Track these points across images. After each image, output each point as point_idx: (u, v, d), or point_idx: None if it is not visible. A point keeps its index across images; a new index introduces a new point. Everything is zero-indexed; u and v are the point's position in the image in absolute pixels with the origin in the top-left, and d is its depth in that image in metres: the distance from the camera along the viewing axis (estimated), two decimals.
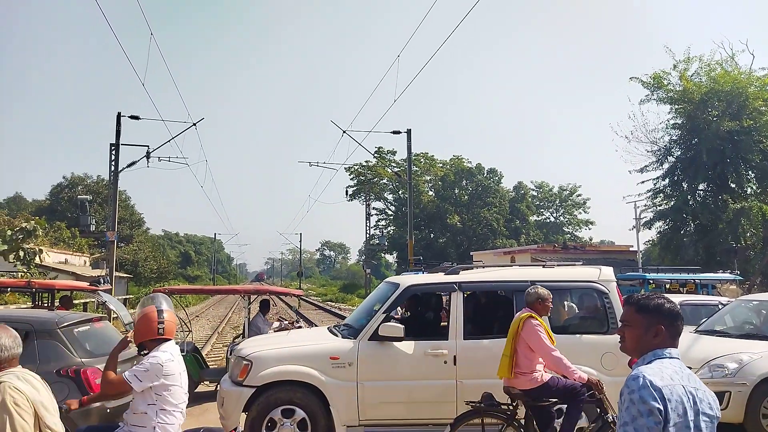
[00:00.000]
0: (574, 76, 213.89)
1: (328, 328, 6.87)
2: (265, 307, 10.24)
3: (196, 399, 4.86)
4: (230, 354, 8.33)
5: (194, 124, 21.54)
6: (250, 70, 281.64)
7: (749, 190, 25.31)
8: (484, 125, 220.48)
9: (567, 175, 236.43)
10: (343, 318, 18.58)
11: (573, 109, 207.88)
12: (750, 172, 25.39)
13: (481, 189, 56.57)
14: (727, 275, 15.94)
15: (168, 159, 23.21)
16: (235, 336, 12.45)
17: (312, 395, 5.69)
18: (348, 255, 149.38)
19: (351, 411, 5.72)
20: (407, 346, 5.91)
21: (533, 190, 65.41)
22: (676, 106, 26.08)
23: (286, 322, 11.24)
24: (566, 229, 64.90)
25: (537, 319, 5.00)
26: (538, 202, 65.47)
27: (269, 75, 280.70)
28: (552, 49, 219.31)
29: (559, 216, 66.30)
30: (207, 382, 9.23)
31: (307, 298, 46.05)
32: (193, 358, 8.91)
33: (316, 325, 18.69)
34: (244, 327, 9.38)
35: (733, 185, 25.23)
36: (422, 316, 7.79)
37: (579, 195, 64.97)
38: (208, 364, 10.38)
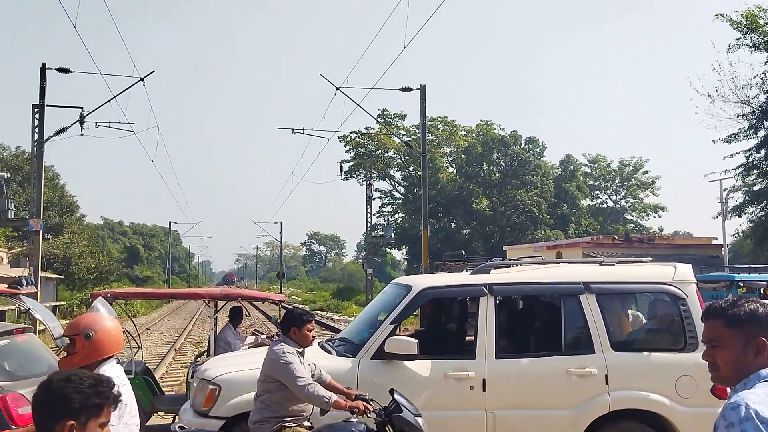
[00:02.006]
0: (638, 14, 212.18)
1: (319, 344, 6.90)
2: (236, 316, 10.28)
3: None
4: (192, 377, 8.39)
5: (142, 79, 21.48)
6: (214, 10, 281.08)
7: None
8: (520, 82, 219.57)
9: (630, 147, 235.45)
10: (338, 331, 18.67)
11: (637, 59, 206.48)
12: None
13: (517, 164, 56.45)
14: None
15: (108, 124, 23.22)
16: (197, 354, 12.52)
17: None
18: (343, 251, 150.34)
19: None
20: (422, 367, 5.94)
21: (585, 165, 65.37)
22: None
23: (264, 336, 11.29)
24: (629, 217, 64.96)
25: None
26: (591, 182, 65.43)
27: (239, 15, 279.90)
28: None
29: (620, 200, 66.34)
30: (162, 413, 9.31)
31: (290, 306, 46.32)
32: (144, 381, 8.96)
33: None
34: (209, 342, 9.43)
35: None
36: (442, 327, 7.82)
37: (646, 172, 64.96)
38: (163, 389, 10.45)
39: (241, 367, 6.11)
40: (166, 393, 10.50)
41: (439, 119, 55.43)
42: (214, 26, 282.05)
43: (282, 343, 4.94)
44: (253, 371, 5.97)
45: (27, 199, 22.86)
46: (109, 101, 22.07)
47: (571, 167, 62.24)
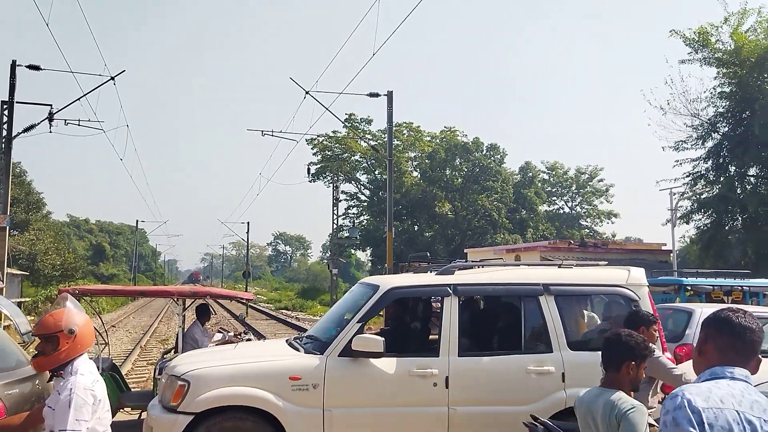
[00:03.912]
0: (597, 31, 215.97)
1: (287, 341, 6.88)
2: (203, 313, 10.16)
3: (115, 429, 4.83)
4: (159, 373, 8.29)
5: (112, 78, 21.18)
6: (186, 12, 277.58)
7: None
8: (483, 91, 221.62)
9: (586, 155, 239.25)
10: (303, 330, 18.61)
11: (595, 71, 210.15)
12: None
13: (478, 170, 56.96)
14: None
15: (77, 122, 22.83)
16: (164, 351, 12.36)
17: (266, 424, 5.70)
18: (309, 251, 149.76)
19: None
20: (387, 364, 5.96)
21: (544, 173, 66.26)
22: (725, 70, 26.60)
23: (231, 333, 11.20)
24: (584, 223, 65.98)
25: None
26: (549, 188, 66.31)
27: (211, 19, 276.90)
28: None
29: (576, 206, 67.39)
30: (128, 409, 9.17)
31: (255, 305, 45.95)
32: (111, 378, 8.82)
33: (267, 340, 18.68)
34: (176, 339, 9.32)
35: None
36: (407, 326, 7.85)
37: (601, 180, 66.20)
38: (129, 386, 10.30)
39: (209, 363, 6.06)
40: (132, 389, 10.34)
41: (404, 125, 55.64)
42: (187, 28, 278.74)
43: None
44: (222, 368, 5.94)
45: None
46: (79, 99, 21.70)
47: (530, 174, 63.11)
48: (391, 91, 24.74)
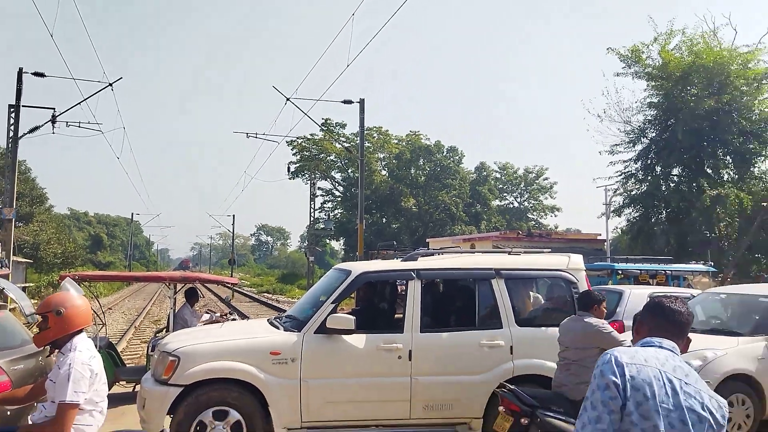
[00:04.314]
0: (544, 48, 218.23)
1: (268, 320, 6.83)
2: (192, 296, 10.03)
3: (111, 401, 4.75)
4: (152, 350, 8.17)
5: (110, 84, 20.72)
6: (179, 25, 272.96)
7: (726, 176, 26.60)
8: (445, 99, 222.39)
9: (534, 156, 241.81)
10: (283, 311, 18.49)
11: (543, 83, 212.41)
12: (728, 157, 26.66)
13: (439, 169, 57.11)
14: (699, 266, 16.78)
15: (78, 124, 22.29)
16: (157, 330, 12.19)
17: (249, 395, 5.66)
18: (288, 241, 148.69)
19: (293, 412, 5.73)
20: (358, 340, 5.96)
21: (496, 172, 66.64)
22: (654, 83, 27.04)
23: (217, 314, 11.08)
24: (531, 216, 66.63)
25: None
26: (501, 186, 66.77)
27: (202, 31, 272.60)
28: (523, 14, 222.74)
29: (524, 201, 67.96)
30: (123, 382, 9.04)
31: (240, 289, 45.51)
32: (108, 354, 8.68)
33: (250, 319, 18.52)
34: (168, 319, 9.20)
35: (709, 170, 26.44)
36: (375, 307, 7.86)
37: (546, 179, 66.83)
38: (125, 362, 10.14)
39: (198, 340, 5.99)
40: (127, 365, 10.18)
41: (374, 129, 55.47)
42: (180, 40, 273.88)
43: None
44: (208, 344, 5.88)
45: (1, 190, 21.66)
46: (79, 103, 21.31)
47: (485, 173, 63.49)
48: (363, 99, 24.67)
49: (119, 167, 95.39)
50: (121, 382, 9.04)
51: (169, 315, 9.25)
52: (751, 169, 26.29)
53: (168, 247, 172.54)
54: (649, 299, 2.59)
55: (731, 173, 26.62)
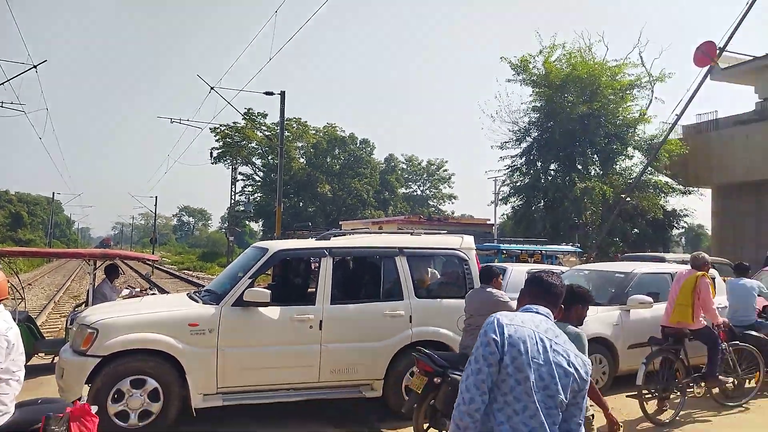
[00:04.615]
0: (447, 54, 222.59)
1: (187, 294, 6.60)
2: (112, 272, 9.47)
3: (29, 372, 4.43)
4: (71, 323, 7.70)
5: (35, 67, 19.03)
6: (108, 9, 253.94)
7: (593, 171, 28.43)
8: (359, 95, 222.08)
9: (436, 150, 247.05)
10: (202, 287, 17.90)
11: (447, 85, 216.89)
12: (595, 156, 28.51)
13: (353, 159, 57.14)
14: (568, 247, 17.85)
15: (0, 104, 20.41)
16: (76, 304, 11.45)
17: (166, 364, 5.45)
18: (209, 222, 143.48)
19: (209, 379, 5.59)
20: (273, 312, 5.88)
21: (403, 163, 67.56)
22: (538, 90, 28.27)
23: (137, 290, 10.55)
24: (431, 203, 68.12)
25: (707, 278, 6.55)
26: (407, 176, 67.83)
27: (129, 16, 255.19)
28: (430, 25, 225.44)
29: (426, 189, 69.35)
30: (42, 354, 8.46)
31: (161, 266, 43.51)
32: (27, 328, 8.07)
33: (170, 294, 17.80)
34: (87, 295, 8.66)
35: (579, 166, 28.13)
36: (290, 281, 7.78)
37: (445, 170, 68.47)
38: (44, 334, 9.46)
39: (115, 314, 5.68)
40: (46, 338, 9.51)
41: (294, 120, 54.52)
42: (107, 24, 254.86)
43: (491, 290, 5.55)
44: (125, 317, 5.60)
45: None
46: (2, 84, 19.49)
47: (393, 163, 64.26)
48: (284, 91, 24.10)
49: (41, 148, 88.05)
50: (39, 354, 8.46)
51: (88, 290, 8.71)
52: (614, 166, 28.23)
53: (89, 226, 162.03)
54: (527, 274, 2.74)
55: (597, 169, 28.43)
